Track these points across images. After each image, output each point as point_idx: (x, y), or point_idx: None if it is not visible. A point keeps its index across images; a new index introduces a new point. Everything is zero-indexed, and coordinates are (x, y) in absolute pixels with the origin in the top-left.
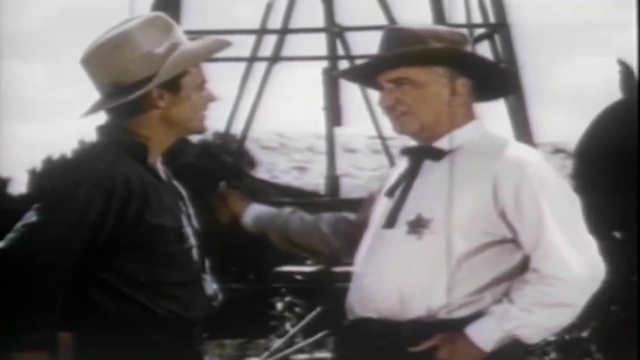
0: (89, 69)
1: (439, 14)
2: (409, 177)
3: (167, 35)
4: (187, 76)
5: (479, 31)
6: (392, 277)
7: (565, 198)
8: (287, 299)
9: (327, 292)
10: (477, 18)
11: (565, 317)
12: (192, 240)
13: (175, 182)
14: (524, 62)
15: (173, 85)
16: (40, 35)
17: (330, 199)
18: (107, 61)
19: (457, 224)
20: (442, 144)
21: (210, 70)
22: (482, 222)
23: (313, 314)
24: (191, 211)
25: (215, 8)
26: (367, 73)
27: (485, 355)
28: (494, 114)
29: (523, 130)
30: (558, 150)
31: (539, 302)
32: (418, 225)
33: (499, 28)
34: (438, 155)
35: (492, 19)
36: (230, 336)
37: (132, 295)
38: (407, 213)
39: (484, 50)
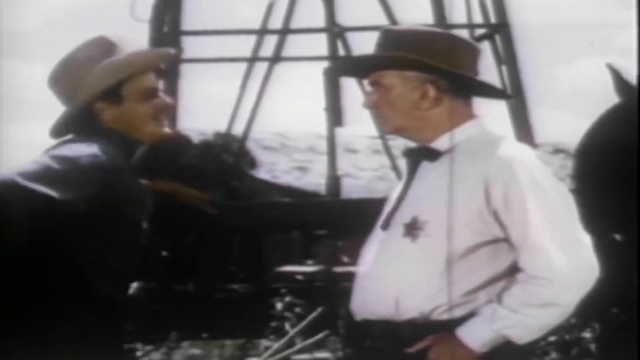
0: (50, 89)
1: (440, 15)
2: (406, 179)
3: (108, 53)
4: (127, 87)
5: (480, 31)
6: (388, 279)
7: (556, 197)
8: (287, 299)
9: (328, 292)
10: (478, 18)
11: (554, 316)
12: (141, 233)
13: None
14: (524, 62)
15: (114, 97)
16: (42, 35)
17: (331, 199)
18: (58, 81)
19: (451, 224)
20: (438, 144)
21: (212, 70)
22: (476, 223)
23: (314, 314)
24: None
25: (215, 8)
26: (348, 74)
27: (476, 356)
28: (494, 115)
29: (524, 130)
30: (558, 151)
31: (527, 302)
32: (413, 228)
33: (499, 28)
34: (434, 155)
35: (493, 19)
36: (230, 336)
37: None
38: (403, 215)
39: (485, 50)
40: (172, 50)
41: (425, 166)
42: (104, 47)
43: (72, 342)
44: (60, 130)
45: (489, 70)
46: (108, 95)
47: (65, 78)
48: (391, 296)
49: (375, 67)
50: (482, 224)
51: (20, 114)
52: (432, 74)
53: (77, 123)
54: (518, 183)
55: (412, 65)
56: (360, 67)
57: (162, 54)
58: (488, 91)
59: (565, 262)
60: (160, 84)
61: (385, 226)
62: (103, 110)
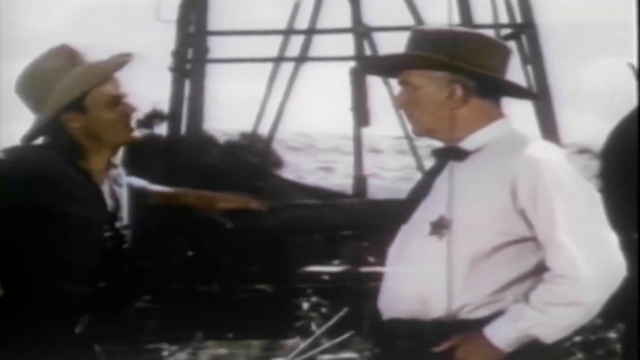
0: (18, 96)
1: (466, 15)
2: (430, 177)
3: (72, 63)
4: (90, 97)
5: (506, 31)
6: (414, 278)
7: (583, 197)
8: (313, 299)
9: (353, 292)
10: (504, 18)
11: (579, 315)
12: (102, 233)
13: (110, 186)
14: (550, 62)
15: (79, 108)
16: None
17: (356, 200)
18: (24, 91)
19: (477, 224)
20: (466, 144)
21: (237, 70)
22: (502, 222)
23: (340, 314)
24: (121, 211)
25: (241, 8)
26: (377, 72)
27: (503, 356)
28: (521, 115)
29: (550, 130)
30: (583, 151)
31: (552, 301)
32: (440, 226)
33: (525, 28)
34: (461, 155)
35: (518, 19)
36: (255, 336)
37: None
38: (430, 214)
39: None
40: (129, 55)
41: (453, 166)
42: (68, 56)
43: (33, 339)
44: (32, 139)
45: (514, 70)
46: (73, 106)
47: (31, 88)
48: (417, 295)
49: (404, 66)
50: (509, 223)
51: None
52: (459, 73)
53: (46, 132)
54: (545, 182)
55: (439, 65)
56: (388, 66)
57: (120, 61)
58: (515, 91)
59: (591, 261)
60: (124, 90)
61: (405, 220)
62: (70, 120)
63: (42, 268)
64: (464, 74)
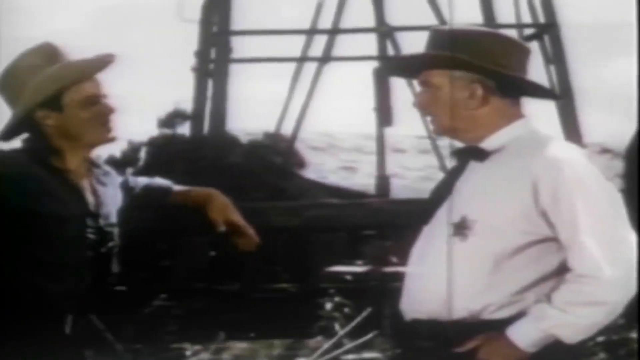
0: None
1: (489, 14)
2: (452, 177)
3: (50, 61)
4: (67, 95)
5: (529, 31)
6: (437, 279)
7: (604, 197)
8: (336, 299)
9: (376, 292)
10: (527, 18)
11: (601, 315)
12: (82, 230)
13: (91, 184)
14: (572, 62)
15: (54, 105)
16: (86, 36)
17: (379, 199)
18: (2, 87)
19: (499, 224)
20: (487, 144)
21: (260, 70)
22: (523, 222)
23: (363, 314)
24: (103, 209)
25: (265, 8)
26: (398, 73)
27: (525, 356)
28: (543, 114)
29: (572, 130)
30: (605, 151)
31: (574, 300)
32: (463, 227)
33: (548, 28)
34: (482, 155)
35: (541, 19)
36: (278, 336)
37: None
38: (452, 215)
39: (533, 50)
40: (110, 56)
41: (474, 166)
42: (47, 54)
43: (17, 338)
44: (7, 135)
45: (537, 70)
46: (48, 103)
47: (8, 85)
48: (440, 295)
49: (424, 66)
50: (530, 223)
51: None
52: (480, 73)
53: (22, 129)
54: (566, 182)
55: (460, 65)
56: (409, 67)
57: (100, 61)
58: (536, 91)
59: (613, 261)
60: (103, 90)
61: (426, 220)
62: (45, 117)
63: (20, 267)
64: (484, 73)
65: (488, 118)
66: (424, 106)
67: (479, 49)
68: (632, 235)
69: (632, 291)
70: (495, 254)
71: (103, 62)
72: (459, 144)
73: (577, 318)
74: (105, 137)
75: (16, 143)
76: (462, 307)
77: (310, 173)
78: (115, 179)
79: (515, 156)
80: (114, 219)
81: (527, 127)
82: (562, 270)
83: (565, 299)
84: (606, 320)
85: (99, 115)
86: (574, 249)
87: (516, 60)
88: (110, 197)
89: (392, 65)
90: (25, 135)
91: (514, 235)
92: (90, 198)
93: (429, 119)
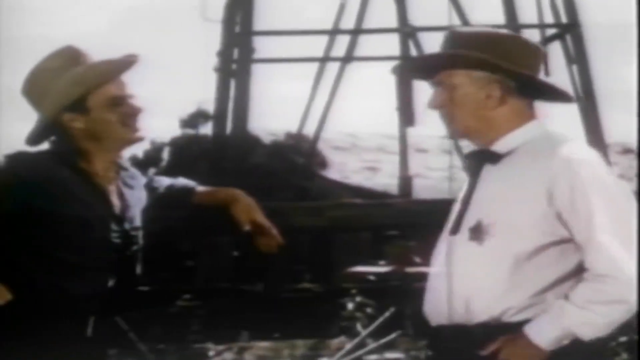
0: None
1: (511, 15)
2: (471, 182)
3: (74, 63)
4: (92, 97)
5: (551, 31)
6: (457, 283)
7: (620, 197)
8: (358, 299)
9: (399, 292)
10: (549, 18)
11: (619, 313)
12: (107, 233)
13: (118, 187)
14: (595, 63)
15: (80, 108)
16: (108, 36)
17: (402, 199)
18: (27, 91)
19: (516, 226)
20: (499, 146)
21: (283, 70)
22: (540, 224)
23: (386, 314)
24: (129, 212)
25: (287, 9)
26: (416, 74)
27: (545, 355)
28: (566, 115)
29: (594, 130)
30: (627, 151)
31: (593, 299)
32: (479, 231)
33: (570, 28)
34: (495, 158)
35: (563, 19)
36: (301, 336)
37: (32, 268)
38: (468, 219)
39: (556, 50)
40: (134, 57)
41: (488, 169)
42: (70, 57)
43: (39, 340)
44: (35, 139)
45: (559, 70)
46: (74, 106)
47: (33, 88)
48: (461, 300)
49: (442, 66)
50: (547, 225)
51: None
52: (498, 74)
53: (49, 133)
54: (583, 182)
55: (479, 65)
56: (427, 67)
57: (124, 62)
58: (553, 93)
59: (630, 260)
60: (128, 90)
61: (455, 231)
62: (71, 120)
63: (44, 269)
64: (502, 73)
65: (503, 118)
66: (440, 106)
67: (497, 49)
68: None
69: None
70: (515, 255)
71: (126, 63)
72: (475, 147)
73: (597, 316)
74: (132, 137)
75: (42, 145)
76: (483, 310)
77: (333, 173)
78: (141, 180)
79: (530, 158)
80: (139, 222)
81: (540, 128)
82: (580, 271)
83: (585, 297)
84: (624, 318)
85: (125, 116)
86: (591, 249)
87: (532, 61)
88: (136, 200)
89: (410, 66)
90: (51, 137)
91: (531, 237)
92: (115, 201)
93: (443, 120)
